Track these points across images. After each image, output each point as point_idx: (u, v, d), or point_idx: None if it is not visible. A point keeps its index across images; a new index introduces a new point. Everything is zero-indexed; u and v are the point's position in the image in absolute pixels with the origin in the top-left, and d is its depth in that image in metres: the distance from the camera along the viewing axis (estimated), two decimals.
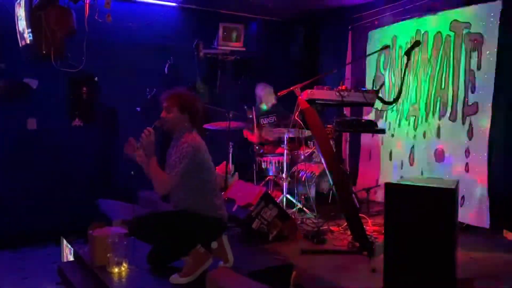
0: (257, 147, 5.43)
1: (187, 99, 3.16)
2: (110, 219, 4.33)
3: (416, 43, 4.11)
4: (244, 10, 6.38)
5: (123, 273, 3.03)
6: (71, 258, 3.82)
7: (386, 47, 5.06)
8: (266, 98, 5.56)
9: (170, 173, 2.97)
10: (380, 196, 5.12)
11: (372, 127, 4.71)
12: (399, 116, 5.38)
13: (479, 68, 4.39)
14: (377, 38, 5.71)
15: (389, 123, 5.51)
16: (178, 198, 3.11)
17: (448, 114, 4.71)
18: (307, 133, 4.38)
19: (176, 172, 2.95)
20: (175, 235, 3.00)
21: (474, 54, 4.44)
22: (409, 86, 5.21)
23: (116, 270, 3.03)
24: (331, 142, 4.37)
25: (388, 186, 2.95)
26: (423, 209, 2.81)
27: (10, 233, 5.04)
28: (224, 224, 3.22)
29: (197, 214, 3.02)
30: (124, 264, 3.07)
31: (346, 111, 5.89)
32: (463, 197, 4.41)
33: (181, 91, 3.25)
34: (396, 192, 2.91)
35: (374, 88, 5.19)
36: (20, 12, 4.31)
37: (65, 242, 4.15)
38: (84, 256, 3.37)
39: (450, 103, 4.69)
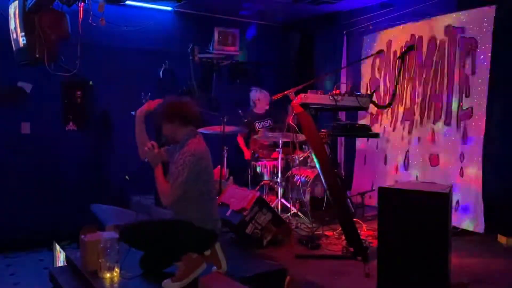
0: (252, 151, 5.42)
1: (189, 110, 3.11)
2: (103, 224, 4.30)
3: (410, 48, 4.13)
4: (239, 15, 6.38)
5: (115, 279, 3.00)
6: (63, 263, 3.79)
7: (380, 51, 5.07)
8: (260, 102, 5.56)
9: (173, 184, 2.93)
10: (375, 200, 5.10)
11: (366, 132, 4.72)
12: (394, 120, 5.38)
13: (473, 72, 4.40)
14: (372, 42, 5.72)
15: (384, 127, 5.51)
16: (179, 207, 3.04)
17: (442, 119, 4.72)
18: (302, 137, 4.37)
19: (178, 183, 2.91)
20: (165, 245, 2.97)
21: (468, 59, 4.44)
22: (403, 90, 5.22)
23: (108, 275, 3.00)
24: (326, 147, 4.36)
25: (382, 190, 2.95)
26: (416, 213, 2.81)
27: (2, 237, 5.00)
28: (217, 235, 3.17)
29: (191, 225, 2.97)
30: (116, 269, 3.03)
31: (341, 115, 5.89)
32: (457, 201, 4.40)
33: (180, 100, 3.19)
34: (390, 196, 2.91)
35: (369, 92, 5.20)
36: (14, 15, 4.29)
37: (57, 247, 4.11)
38: (76, 261, 3.33)
39: (444, 108, 4.69)
